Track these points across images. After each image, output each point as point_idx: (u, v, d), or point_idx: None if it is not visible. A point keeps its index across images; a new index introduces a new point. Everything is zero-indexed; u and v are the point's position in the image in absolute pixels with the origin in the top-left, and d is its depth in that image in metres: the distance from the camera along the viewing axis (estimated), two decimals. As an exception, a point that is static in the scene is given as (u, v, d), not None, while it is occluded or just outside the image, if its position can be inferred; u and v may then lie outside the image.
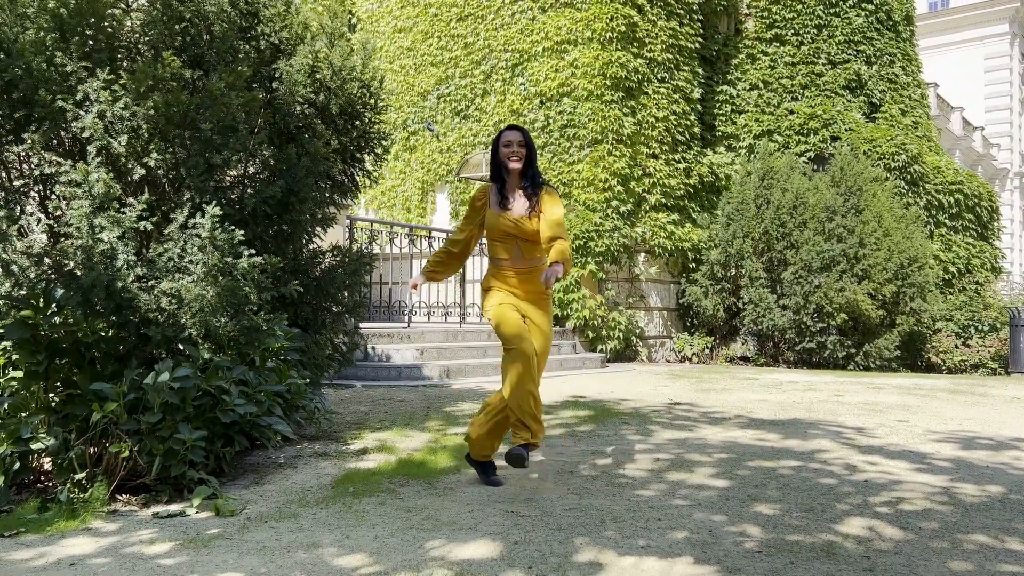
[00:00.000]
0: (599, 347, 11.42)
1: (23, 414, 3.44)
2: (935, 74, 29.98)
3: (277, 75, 4.40)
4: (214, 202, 3.59)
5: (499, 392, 3.62)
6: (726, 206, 12.41)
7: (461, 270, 11.03)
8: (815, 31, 14.16)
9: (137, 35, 4.09)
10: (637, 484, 3.71)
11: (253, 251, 3.62)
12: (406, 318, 10.10)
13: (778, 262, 11.89)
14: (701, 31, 13.39)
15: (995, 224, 15.39)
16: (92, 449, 3.39)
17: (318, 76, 4.61)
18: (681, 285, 12.80)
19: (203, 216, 3.51)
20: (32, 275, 3.45)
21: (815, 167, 13.42)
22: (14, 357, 3.54)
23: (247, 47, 4.34)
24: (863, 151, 13.09)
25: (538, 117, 12.08)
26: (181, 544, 2.82)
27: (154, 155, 3.70)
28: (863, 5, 14.36)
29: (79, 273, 3.36)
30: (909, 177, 13.52)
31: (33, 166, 3.79)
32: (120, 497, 3.40)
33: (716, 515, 3.16)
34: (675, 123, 12.61)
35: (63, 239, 3.63)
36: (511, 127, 3.72)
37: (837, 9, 14.25)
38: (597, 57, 11.59)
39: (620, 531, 2.92)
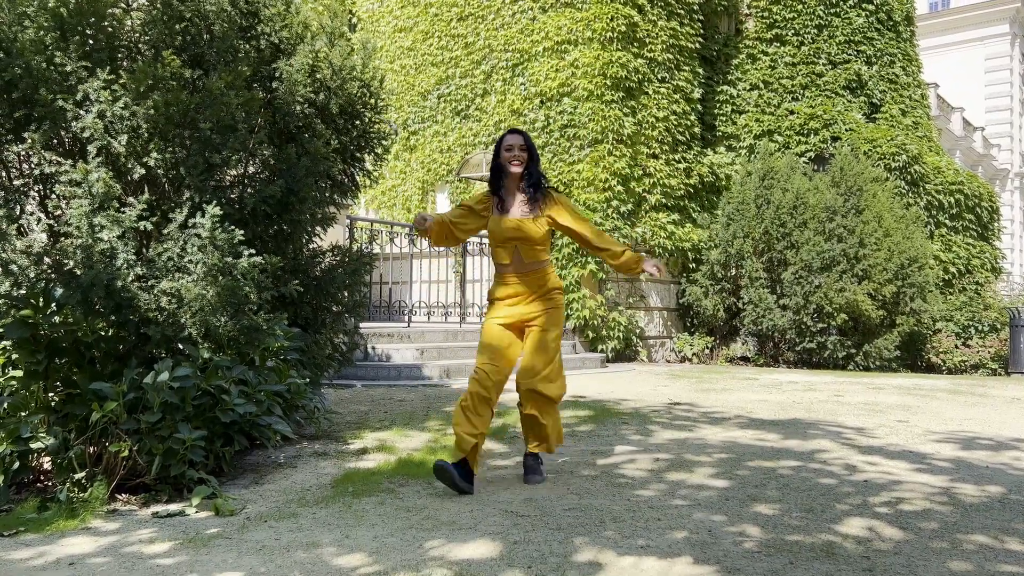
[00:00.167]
0: (599, 347, 11.42)
1: (23, 413, 3.44)
2: (935, 74, 29.97)
3: (277, 75, 4.40)
4: (214, 202, 3.59)
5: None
6: (726, 206, 12.41)
7: (461, 270, 11.05)
8: (815, 31, 14.16)
9: (137, 34, 4.09)
10: (637, 484, 3.70)
11: (253, 251, 3.62)
12: (406, 318, 10.11)
13: (778, 262, 11.89)
14: (701, 31, 13.39)
15: (995, 224, 15.38)
16: (92, 448, 3.39)
17: (318, 76, 4.61)
18: (681, 285, 12.80)
19: (203, 216, 3.51)
20: (32, 274, 3.45)
21: (815, 167, 13.42)
22: (14, 356, 3.54)
23: (247, 46, 4.34)
24: (863, 151, 13.09)
25: (538, 117, 12.08)
26: (180, 544, 2.82)
27: (154, 155, 3.70)
28: (863, 5, 14.36)
29: (79, 272, 3.36)
30: (909, 177, 13.51)
31: (33, 165, 3.79)
32: (120, 496, 3.40)
33: (716, 515, 3.16)
34: (675, 123, 12.60)
35: (63, 238, 3.63)
36: (512, 131, 3.72)
37: (837, 9, 14.24)
38: (597, 57, 11.58)
39: (620, 531, 2.92)
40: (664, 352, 12.66)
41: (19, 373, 3.53)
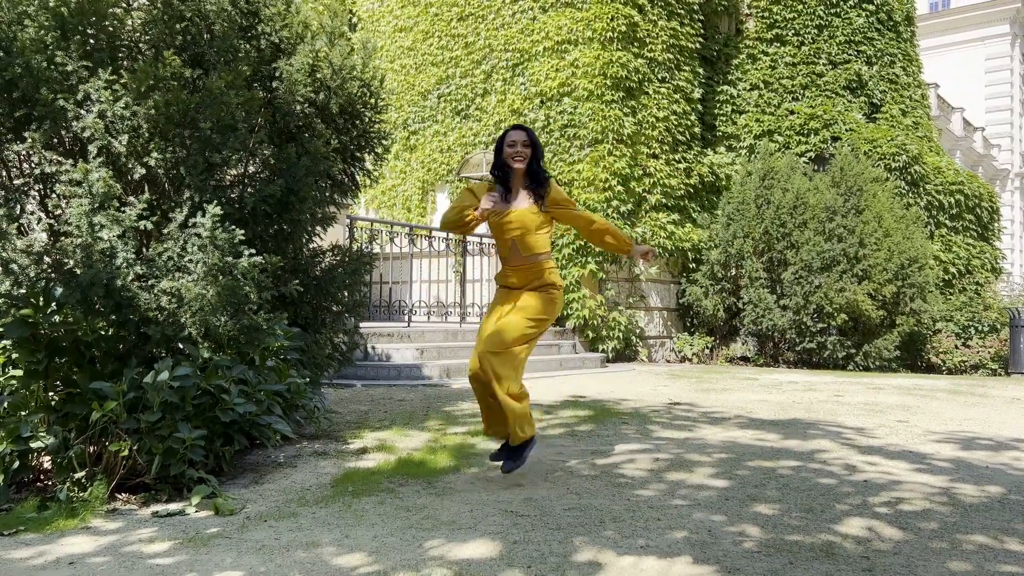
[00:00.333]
0: (599, 347, 11.42)
1: (23, 413, 3.44)
2: (936, 75, 29.97)
3: (277, 74, 4.40)
4: (214, 201, 3.59)
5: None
6: (726, 206, 12.41)
7: (461, 270, 11.05)
8: (816, 31, 14.16)
9: (138, 34, 4.09)
10: (636, 484, 3.71)
11: (253, 250, 3.63)
12: (406, 317, 10.11)
13: (778, 262, 11.89)
14: (702, 31, 13.39)
15: (995, 225, 15.38)
16: (92, 448, 3.39)
17: (318, 75, 4.61)
18: (681, 285, 12.80)
19: (203, 215, 3.51)
20: (32, 274, 3.45)
21: (815, 167, 13.42)
22: (14, 356, 3.54)
23: (247, 46, 4.34)
24: (863, 151, 13.09)
25: (538, 117, 12.08)
26: (180, 543, 2.82)
27: (154, 154, 3.70)
28: (864, 5, 14.36)
29: (78, 272, 3.36)
30: (909, 177, 13.51)
31: (33, 165, 3.79)
32: (119, 496, 3.40)
33: (715, 515, 3.16)
34: (675, 123, 12.60)
35: (63, 238, 3.63)
36: (516, 127, 3.74)
37: (838, 9, 14.24)
38: (598, 57, 11.58)
39: (619, 531, 2.92)
40: (664, 352, 12.66)
41: (19, 372, 3.53)
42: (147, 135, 3.71)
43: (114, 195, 3.46)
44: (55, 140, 3.80)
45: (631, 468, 4.05)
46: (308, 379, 4.44)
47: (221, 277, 3.49)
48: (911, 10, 15.40)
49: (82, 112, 3.62)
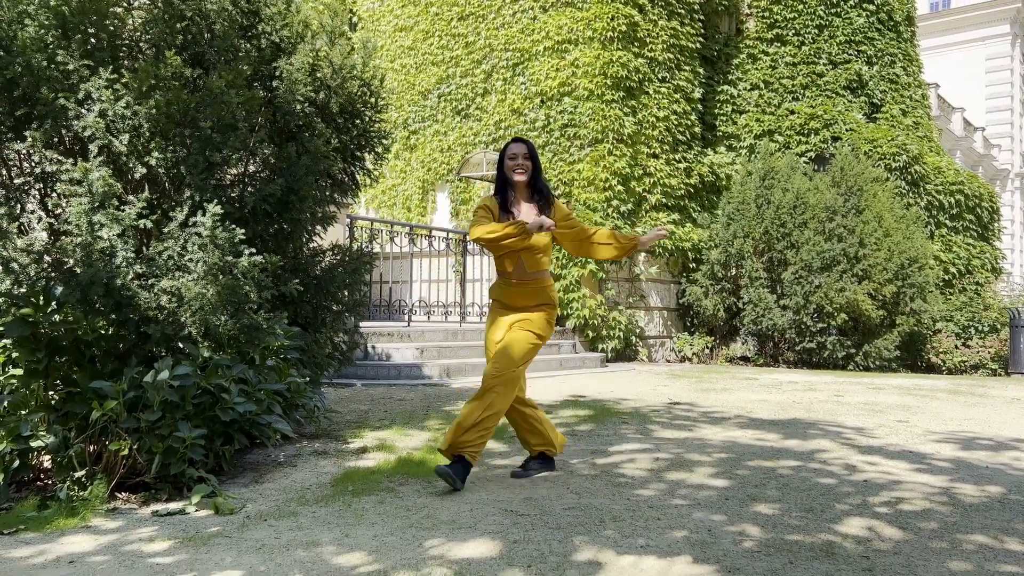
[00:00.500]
0: (599, 347, 11.42)
1: (23, 412, 3.44)
2: (936, 75, 29.97)
3: (277, 73, 4.40)
4: (215, 200, 3.59)
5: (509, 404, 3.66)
6: (726, 206, 12.41)
7: (461, 270, 11.05)
8: (816, 31, 14.15)
9: (138, 33, 4.09)
10: (636, 483, 3.71)
11: (253, 250, 3.63)
12: (406, 317, 10.11)
13: (778, 262, 11.88)
14: (702, 31, 13.39)
15: (995, 225, 15.38)
16: (92, 447, 3.39)
17: (318, 75, 4.61)
18: (681, 285, 12.80)
19: (203, 214, 3.51)
20: (32, 272, 3.45)
21: (816, 167, 13.42)
22: (14, 355, 3.54)
23: (248, 45, 4.34)
24: (864, 151, 13.09)
25: (539, 116, 12.08)
26: (180, 542, 2.82)
27: (155, 153, 3.70)
28: (864, 5, 14.35)
29: (78, 271, 3.36)
30: (910, 177, 13.51)
31: (34, 164, 3.79)
32: (119, 495, 3.40)
33: (715, 515, 3.16)
34: (676, 123, 12.60)
35: (63, 237, 3.63)
36: (516, 140, 3.74)
37: (838, 9, 14.24)
38: (598, 56, 11.58)
39: (619, 530, 2.92)
40: (664, 352, 12.66)
41: (19, 371, 3.53)
42: (148, 134, 3.71)
43: (114, 194, 3.46)
44: (55, 139, 3.80)
45: (631, 468, 4.05)
46: (308, 378, 4.44)
47: (221, 276, 3.49)
48: (911, 10, 15.40)
49: (83, 111, 3.62)
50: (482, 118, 12.98)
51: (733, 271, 12.29)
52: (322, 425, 4.80)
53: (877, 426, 5.55)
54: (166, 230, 3.65)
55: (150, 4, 4.08)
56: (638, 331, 12.01)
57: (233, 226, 3.57)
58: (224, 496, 3.34)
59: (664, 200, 12.29)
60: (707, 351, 12.48)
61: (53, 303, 3.39)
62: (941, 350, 12.04)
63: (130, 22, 4.09)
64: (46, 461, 3.58)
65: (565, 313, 11.28)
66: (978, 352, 11.96)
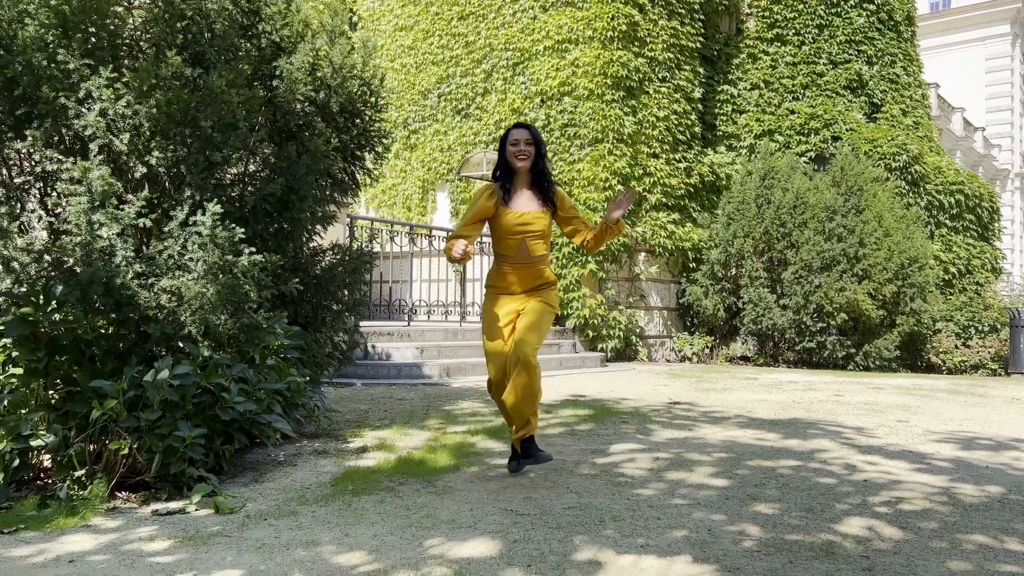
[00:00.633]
0: (599, 346, 11.42)
1: (23, 411, 3.44)
2: (936, 74, 29.97)
3: (278, 73, 4.40)
4: (215, 200, 3.59)
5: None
6: (727, 206, 12.41)
7: (461, 269, 11.05)
8: (816, 31, 14.15)
9: (139, 32, 4.09)
10: (636, 483, 3.71)
11: (253, 249, 3.62)
12: (406, 317, 10.10)
13: (778, 262, 11.89)
14: (702, 30, 13.39)
15: (995, 225, 15.38)
16: (92, 446, 3.39)
17: (319, 74, 4.61)
18: (681, 285, 12.80)
19: (204, 214, 3.51)
20: (32, 272, 3.45)
21: (816, 167, 13.42)
22: (14, 354, 3.54)
23: (248, 45, 4.34)
24: (864, 151, 13.09)
25: (539, 116, 12.08)
26: (180, 541, 2.82)
27: (155, 153, 3.70)
28: (864, 5, 14.35)
29: (78, 270, 3.36)
30: (910, 177, 13.51)
31: (34, 163, 3.79)
32: (119, 494, 3.40)
33: (715, 514, 3.16)
34: (676, 122, 12.60)
35: (63, 236, 3.63)
36: (519, 125, 3.71)
37: (838, 9, 14.24)
38: (598, 56, 11.58)
39: (619, 530, 2.92)
40: (664, 351, 12.66)
41: (19, 371, 3.53)
42: (148, 133, 3.71)
43: (113, 193, 3.46)
44: (56, 138, 3.80)
45: (631, 467, 4.06)
46: (308, 378, 4.44)
47: (221, 275, 3.49)
48: (912, 10, 15.40)
49: (83, 110, 3.62)
50: (482, 118, 12.98)
51: (733, 271, 12.29)
52: (322, 424, 4.80)
53: (877, 426, 5.55)
54: (166, 229, 3.65)
55: (151, 3, 4.08)
56: (638, 331, 12.01)
57: (233, 225, 3.57)
58: (224, 495, 3.35)
59: (664, 200, 12.29)
60: (707, 351, 12.48)
61: (53, 302, 3.40)
62: (941, 350, 12.04)
63: (130, 21, 4.09)
64: (46, 460, 3.58)
65: (565, 313, 11.28)
66: (978, 352, 11.96)
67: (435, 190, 13.90)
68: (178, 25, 4.00)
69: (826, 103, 13.81)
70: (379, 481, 3.70)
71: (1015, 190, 34.10)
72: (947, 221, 14.22)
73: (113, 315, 3.48)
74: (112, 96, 3.59)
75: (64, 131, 3.78)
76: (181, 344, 3.68)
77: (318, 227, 4.79)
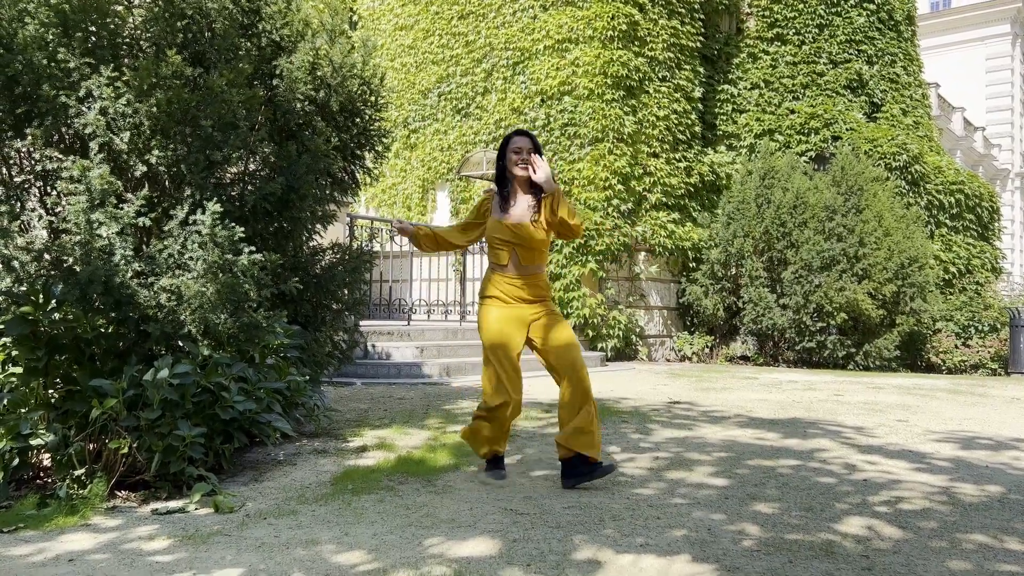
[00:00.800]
0: (599, 346, 11.42)
1: (23, 410, 3.44)
2: (936, 74, 29.97)
3: (278, 72, 4.40)
4: (215, 199, 3.59)
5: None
6: (727, 205, 12.41)
7: (461, 269, 11.05)
8: (816, 30, 14.15)
9: (139, 31, 4.09)
10: (636, 482, 3.71)
11: (253, 248, 3.62)
12: (406, 316, 10.11)
13: (778, 261, 11.89)
14: (702, 30, 13.39)
15: (996, 224, 15.39)
16: (91, 445, 3.39)
17: (319, 73, 4.61)
18: (681, 284, 12.80)
19: (203, 213, 3.51)
20: (32, 271, 3.45)
21: (816, 167, 13.42)
22: (14, 353, 3.54)
23: (248, 44, 4.34)
24: (864, 151, 13.09)
25: (539, 115, 12.08)
26: (180, 540, 2.82)
27: (155, 152, 3.70)
28: (864, 5, 14.35)
29: (77, 269, 3.36)
30: (910, 177, 13.51)
31: (34, 162, 3.79)
32: (119, 493, 3.40)
33: (715, 514, 3.16)
34: (676, 122, 12.60)
35: (63, 235, 3.63)
36: (521, 132, 3.65)
37: (838, 8, 14.24)
38: (598, 56, 11.58)
39: (619, 529, 2.92)
40: (664, 351, 12.66)
41: (19, 370, 3.53)
42: (148, 132, 3.71)
43: (112, 192, 3.46)
44: (56, 137, 3.80)
45: (631, 467, 4.06)
46: (308, 377, 4.44)
47: (221, 275, 3.49)
48: (912, 9, 15.40)
49: (84, 109, 3.62)
50: (482, 117, 12.98)
51: (733, 270, 12.29)
52: (322, 424, 4.80)
53: (877, 425, 5.55)
54: (166, 228, 3.65)
55: (151, 2, 4.08)
56: (638, 330, 12.01)
57: (233, 224, 3.57)
58: (224, 494, 3.35)
59: (664, 199, 12.29)
60: (707, 350, 12.48)
61: (53, 301, 3.39)
62: (941, 350, 12.04)
63: (131, 20, 4.09)
64: (46, 459, 3.58)
65: (565, 312, 11.28)
66: (978, 352, 11.96)
67: (435, 189, 13.90)
68: (178, 24, 4.00)
69: (826, 103, 13.81)
70: (379, 480, 3.70)
71: (1015, 190, 34.10)
72: (947, 221, 14.22)
73: (113, 314, 3.48)
74: (112, 95, 3.59)
75: (64, 130, 3.78)
76: (181, 343, 3.68)
77: (318, 226, 4.78)
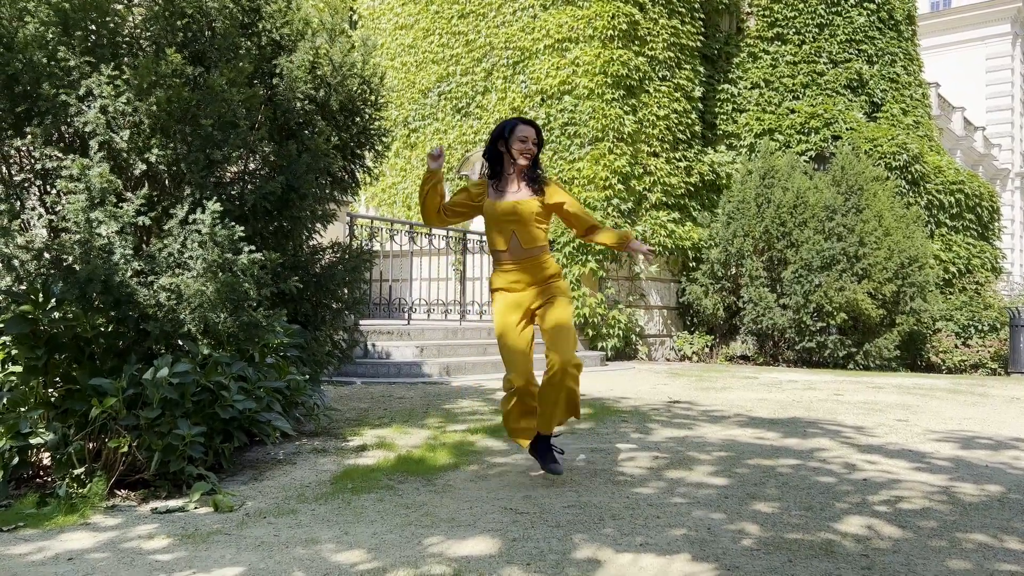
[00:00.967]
0: (599, 345, 11.42)
1: (22, 409, 3.44)
2: (936, 74, 29.95)
3: (278, 71, 4.40)
4: (214, 198, 3.59)
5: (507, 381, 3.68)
6: (727, 205, 12.41)
7: (461, 268, 11.05)
8: (817, 30, 14.15)
9: (139, 30, 4.09)
10: (636, 482, 3.71)
11: (253, 247, 3.62)
12: (406, 315, 10.10)
13: (778, 261, 11.89)
14: (703, 29, 13.39)
15: (996, 224, 15.38)
16: (91, 444, 3.39)
17: (319, 72, 4.61)
18: (681, 284, 12.80)
19: (203, 212, 3.51)
20: (32, 269, 3.45)
21: (816, 166, 13.42)
22: (13, 352, 3.54)
23: (248, 43, 4.34)
24: (864, 150, 13.09)
25: (539, 115, 12.07)
26: (179, 539, 2.82)
27: (155, 151, 3.70)
28: (865, 4, 14.35)
29: (77, 267, 3.36)
30: (910, 177, 13.51)
31: (34, 160, 3.79)
32: (119, 492, 3.40)
33: (715, 513, 3.16)
34: (676, 121, 12.60)
35: (62, 234, 3.63)
36: (527, 122, 3.63)
37: (839, 8, 14.24)
38: (598, 55, 11.58)
39: (619, 528, 2.92)
40: (664, 351, 12.66)
41: (19, 368, 3.53)
42: (148, 131, 3.70)
43: (112, 191, 3.46)
44: (55, 136, 3.80)
45: (630, 466, 4.06)
46: (308, 376, 4.44)
47: (221, 274, 3.48)
48: (912, 9, 15.40)
49: (84, 107, 3.61)
50: (482, 116, 12.98)
51: (733, 270, 12.29)
52: (322, 423, 4.80)
53: (877, 425, 5.55)
54: (166, 227, 3.65)
55: (151, 1, 4.07)
56: (638, 330, 12.01)
57: (233, 223, 3.57)
58: (223, 494, 3.34)
59: (664, 199, 12.29)
60: (707, 350, 12.48)
61: (52, 300, 3.39)
62: (941, 349, 12.05)
63: (131, 19, 4.08)
64: (45, 458, 3.58)
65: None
66: (978, 351, 11.96)
67: (435, 189, 13.87)
68: (178, 23, 4.00)
69: (826, 102, 13.81)
70: (378, 479, 3.70)
71: (1015, 190, 34.09)
72: (947, 220, 14.22)
73: (112, 313, 3.48)
74: (112, 93, 3.59)
75: (64, 128, 3.77)
76: (180, 342, 3.68)
77: (318, 225, 4.78)
